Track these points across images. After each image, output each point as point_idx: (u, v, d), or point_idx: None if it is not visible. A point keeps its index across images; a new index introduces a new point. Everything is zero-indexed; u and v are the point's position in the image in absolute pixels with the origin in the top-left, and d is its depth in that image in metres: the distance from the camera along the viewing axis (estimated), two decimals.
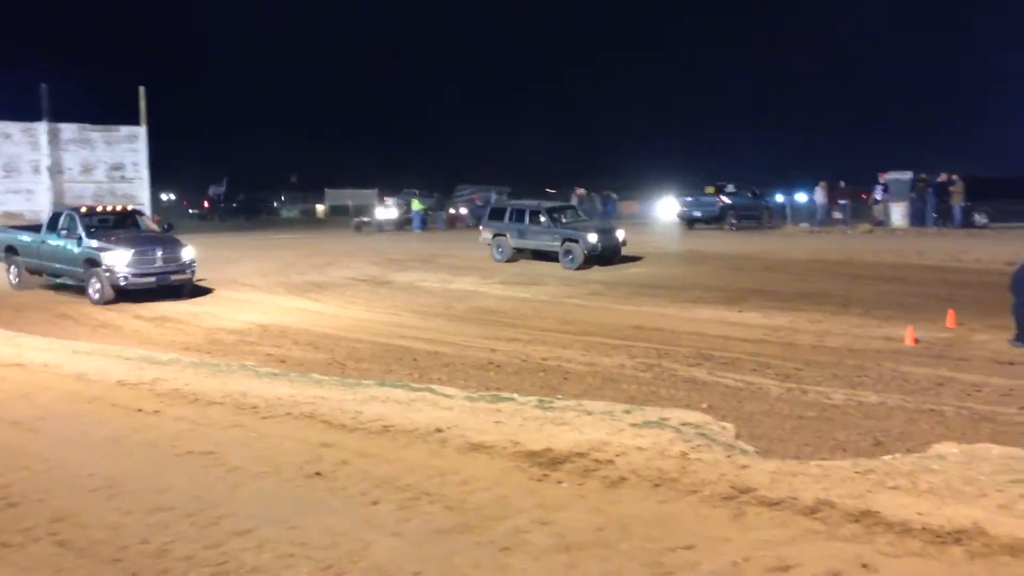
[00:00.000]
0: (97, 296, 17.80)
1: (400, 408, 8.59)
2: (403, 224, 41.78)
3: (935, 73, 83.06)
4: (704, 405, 9.30)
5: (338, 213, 53.88)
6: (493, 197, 46.01)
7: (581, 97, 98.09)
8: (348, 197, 55.83)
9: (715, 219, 34.91)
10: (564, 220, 24.28)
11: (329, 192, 58.71)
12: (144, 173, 24.86)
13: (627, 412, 8.26)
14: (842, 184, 34.30)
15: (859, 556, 4.96)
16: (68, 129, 24.01)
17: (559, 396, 9.57)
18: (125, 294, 17.76)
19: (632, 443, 7.19)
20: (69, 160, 23.88)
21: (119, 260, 17.63)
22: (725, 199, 34.91)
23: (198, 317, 16.20)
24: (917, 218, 30.66)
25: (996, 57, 76.26)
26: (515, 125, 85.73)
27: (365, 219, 43.04)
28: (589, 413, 8.21)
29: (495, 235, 25.08)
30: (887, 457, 7.05)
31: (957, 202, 29.71)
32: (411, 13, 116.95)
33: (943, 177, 30.65)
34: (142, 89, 24.85)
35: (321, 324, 15.40)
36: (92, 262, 17.94)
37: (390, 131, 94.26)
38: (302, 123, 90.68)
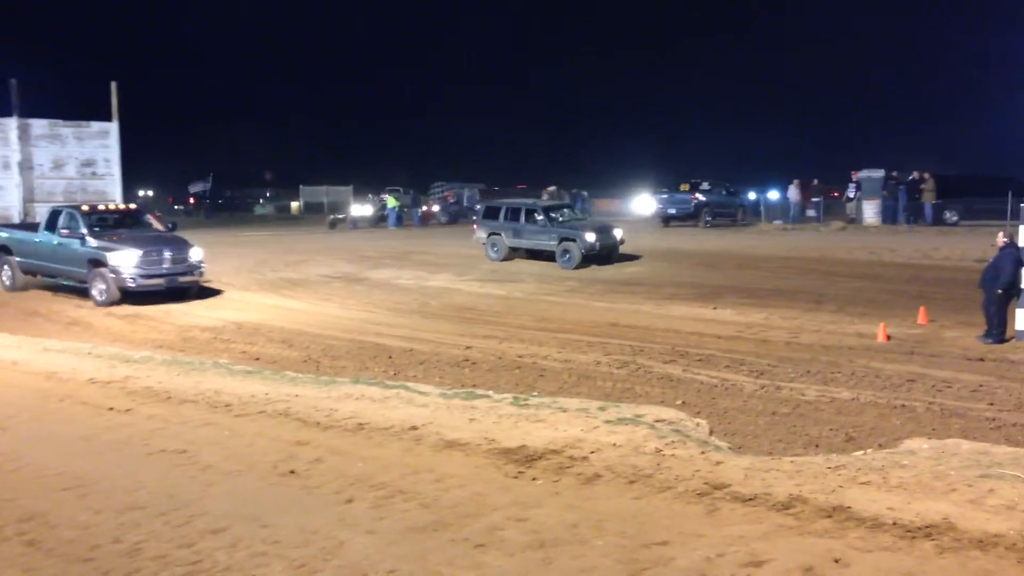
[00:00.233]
0: (102, 298, 16.95)
1: (375, 406, 8.57)
2: (378, 221, 41.62)
3: (907, 73, 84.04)
4: (679, 402, 9.35)
5: (313, 210, 53.55)
6: (466, 194, 45.93)
7: (556, 95, 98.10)
8: (323, 194, 55.55)
9: (690, 216, 35.04)
10: (561, 219, 23.86)
11: (304, 189, 58.35)
12: (116, 169, 24.53)
13: (602, 409, 8.28)
14: (815, 182, 34.56)
15: (831, 551, 5.01)
16: (39, 125, 23.67)
17: (534, 393, 9.57)
18: (131, 296, 17.03)
19: (607, 440, 7.22)
20: (40, 156, 23.53)
21: (127, 260, 16.83)
22: (700, 197, 35.06)
23: (171, 314, 16.06)
24: (889, 216, 30.94)
25: (967, 57, 77.28)
26: (491, 123, 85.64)
27: (340, 216, 42.84)
28: (564, 410, 8.23)
29: (490, 234, 24.55)
30: (859, 453, 7.13)
31: (928, 200, 30.02)
32: (386, 10, 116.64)
33: (915, 175, 30.95)
34: (114, 84, 24.53)
35: (295, 321, 15.32)
36: (96, 262, 17.07)
37: (366, 128, 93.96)
38: (278, 119, 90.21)
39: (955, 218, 29.86)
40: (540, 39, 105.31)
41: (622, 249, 23.81)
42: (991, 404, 9.13)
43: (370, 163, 69.70)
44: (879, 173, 31.29)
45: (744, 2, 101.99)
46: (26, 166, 23.19)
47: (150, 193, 62.86)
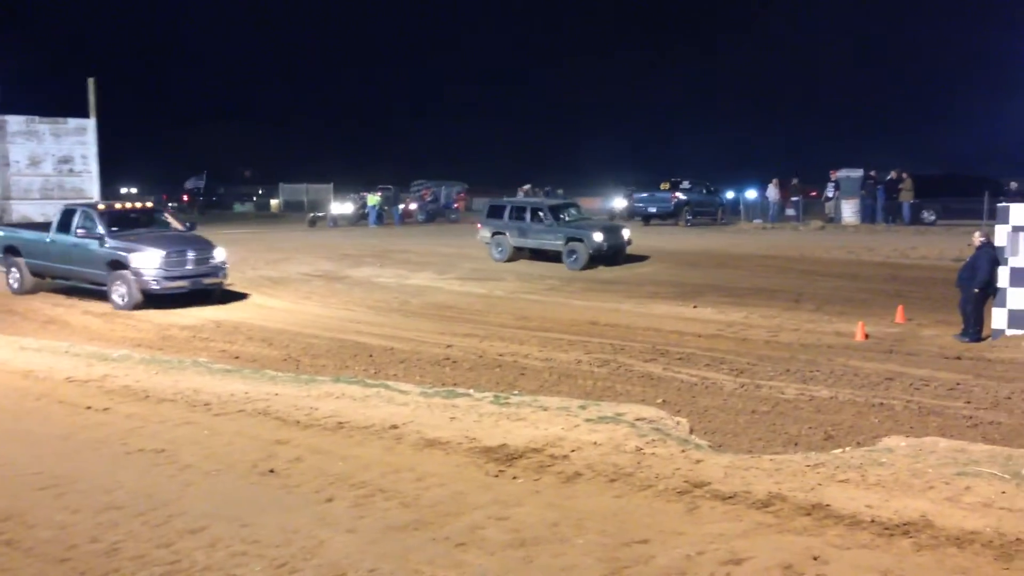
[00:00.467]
0: (123, 301, 16.12)
1: (355, 404, 8.55)
2: (359, 219, 41.46)
3: (885, 73, 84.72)
4: (659, 400, 9.38)
5: (293, 208, 53.29)
6: (443, 192, 45.81)
7: (538, 95, 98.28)
8: (303, 192, 55.30)
9: (670, 215, 35.14)
10: (567, 218, 23.25)
11: (284, 187, 58.04)
12: (93, 166, 24.30)
13: (583, 408, 8.29)
14: (795, 181, 34.72)
15: (810, 548, 5.03)
16: (15, 121, 23.42)
17: (515, 392, 9.58)
18: (154, 299, 16.19)
19: (588, 438, 7.23)
20: (16, 153, 23.28)
21: (149, 262, 16.01)
22: (680, 195, 35.17)
23: (149, 313, 15.91)
24: (867, 215, 31.13)
25: (945, 58, 77.96)
26: (473, 122, 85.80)
27: (319, 214, 42.66)
28: (545, 409, 8.23)
29: (494, 233, 23.90)
30: (838, 451, 7.18)
31: (906, 199, 30.23)
32: (369, 10, 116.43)
33: (893, 175, 31.15)
34: (91, 81, 24.32)
35: (275, 320, 15.25)
36: (117, 264, 16.25)
37: (348, 126, 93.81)
38: (258, 117, 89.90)
39: (932, 218, 30.07)
40: (529, 42, 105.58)
41: (628, 250, 23.12)
42: (968, 402, 9.21)
43: (352, 161, 69.59)
44: (858, 173, 31.47)
45: (744, 2, 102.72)
46: (2, 163, 22.95)
47: (133, 190, 62.45)
